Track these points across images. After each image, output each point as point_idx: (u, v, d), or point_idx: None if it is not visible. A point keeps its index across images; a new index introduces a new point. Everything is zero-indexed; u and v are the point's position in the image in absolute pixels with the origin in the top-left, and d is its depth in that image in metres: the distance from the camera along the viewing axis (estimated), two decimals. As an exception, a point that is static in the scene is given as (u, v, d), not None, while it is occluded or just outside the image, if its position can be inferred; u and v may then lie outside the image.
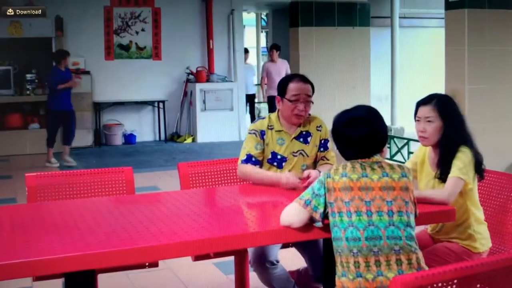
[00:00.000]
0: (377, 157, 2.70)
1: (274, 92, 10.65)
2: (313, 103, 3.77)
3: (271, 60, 12.10)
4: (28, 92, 11.12)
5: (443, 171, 3.25)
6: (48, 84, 9.84)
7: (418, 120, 3.34)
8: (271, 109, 11.60)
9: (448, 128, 3.26)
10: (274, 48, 12.04)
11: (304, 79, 3.78)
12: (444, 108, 3.28)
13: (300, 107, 3.70)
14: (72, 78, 9.80)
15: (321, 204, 2.67)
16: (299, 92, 3.70)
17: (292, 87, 3.72)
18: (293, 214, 2.72)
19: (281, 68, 11.81)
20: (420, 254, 2.61)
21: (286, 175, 3.53)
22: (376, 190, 2.59)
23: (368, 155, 2.70)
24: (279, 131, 3.78)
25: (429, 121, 3.28)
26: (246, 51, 13.54)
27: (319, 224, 2.69)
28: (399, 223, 2.57)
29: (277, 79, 11.03)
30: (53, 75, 9.63)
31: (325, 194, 2.66)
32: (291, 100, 3.70)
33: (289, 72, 11.34)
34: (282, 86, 3.78)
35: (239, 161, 3.75)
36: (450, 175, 3.17)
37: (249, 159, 3.72)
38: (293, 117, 3.73)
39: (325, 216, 2.68)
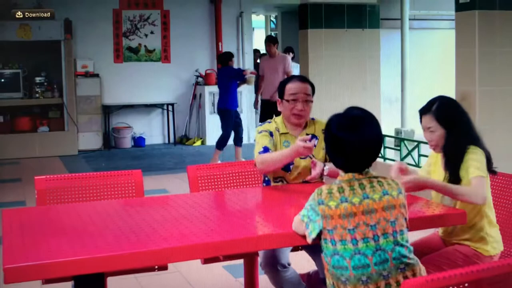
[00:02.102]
0: (371, 172, 2.59)
1: (267, 95, 9.73)
2: (312, 102, 3.73)
3: (269, 55, 10.08)
4: (37, 95, 11.14)
5: (451, 174, 3.23)
6: (237, 80, 9.64)
7: (423, 130, 3.34)
8: (263, 116, 9.73)
9: (451, 133, 3.22)
10: (270, 41, 10.07)
11: (302, 79, 3.76)
12: (443, 115, 3.23)
13: (299, 106, 3.66)
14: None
15: (315, 230, 2.54)
16: (297, 91, 3.67)
17: (290, 87, 3.70)
18: (299, 228, 2.65)
19: (277, 64, 9.77)
20: (421, 264, 2.58)
21: (296, 145, 3.42)
22: (379, 211, 2.49)
23: (363, 166, 2.57)
24: (285, 133, 3.75)
25: (431, 131, 3.26)
26: (291, 49, 11.62)
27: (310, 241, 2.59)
28: (402, 241, 2.51)
29: (271, 78, 9.68)
30: (237, 71, 9.74)
31: (319, 220, 2.53)
32: (289, 100, 3.67)
33: (289, 69, 9.80)
34: (281, 88, 3.76)
35: (256, 154, 3.64)
36: (471, 176, 3.11)
37: (266, 150, 3.62)
38: (292, 116, 3.69)
39: (317, 237, 2.55)
